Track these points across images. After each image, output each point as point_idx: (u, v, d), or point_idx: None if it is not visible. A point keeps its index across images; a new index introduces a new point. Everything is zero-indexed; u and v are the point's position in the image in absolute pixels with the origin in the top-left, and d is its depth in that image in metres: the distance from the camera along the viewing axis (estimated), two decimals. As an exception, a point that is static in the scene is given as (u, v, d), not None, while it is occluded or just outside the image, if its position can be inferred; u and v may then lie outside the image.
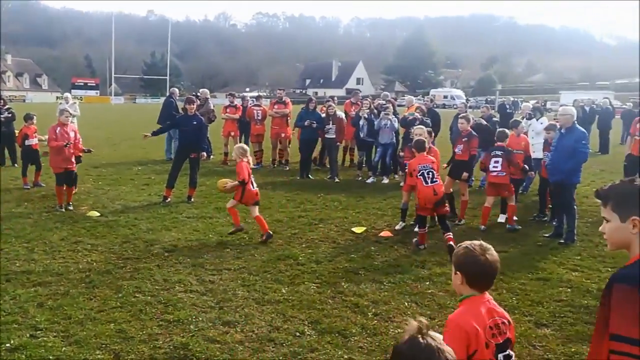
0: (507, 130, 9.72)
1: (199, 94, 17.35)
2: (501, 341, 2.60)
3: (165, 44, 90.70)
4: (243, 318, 5.41)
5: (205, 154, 11.27)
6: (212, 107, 16.63)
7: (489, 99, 62.50)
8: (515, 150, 9.72)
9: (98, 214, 9.50)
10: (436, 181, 7.76)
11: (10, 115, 14.18)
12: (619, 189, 2.33)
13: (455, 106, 32.83)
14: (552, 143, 9.40)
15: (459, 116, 10.60)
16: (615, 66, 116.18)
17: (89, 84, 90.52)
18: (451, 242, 7.52)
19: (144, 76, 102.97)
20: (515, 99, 33.65)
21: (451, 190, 9.73)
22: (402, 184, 10.54)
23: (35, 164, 12.14)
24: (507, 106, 21.93)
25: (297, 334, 5.10)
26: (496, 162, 9.12)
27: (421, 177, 7.76)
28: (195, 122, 10.75)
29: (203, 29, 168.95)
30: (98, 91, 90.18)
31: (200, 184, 11.67)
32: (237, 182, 8.08)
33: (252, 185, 8.19)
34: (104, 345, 4.81)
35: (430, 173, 7.76)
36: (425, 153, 8.03)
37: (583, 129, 8.58)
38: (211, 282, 6.38)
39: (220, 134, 16.76)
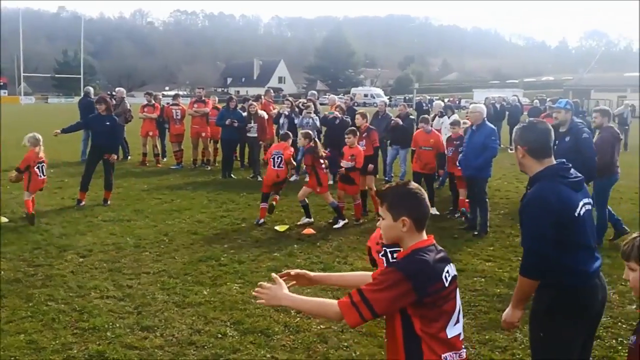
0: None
1: (114, 93, 16.79)
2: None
3: (79, 42, 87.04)
4: (163, 322, 5.29)
5: (115, 155, 10.86)
6: (128, 107, 16.09)
7: (407, 98, 64.12)
8: (424, 147, 10.02)
9: (6, 220, 9.00)
10: (281, 167, 9.13)
11: None
12: (394, 191, 2.57)
13: (375, 104, 33.46)
14: (455, 139, 9.84)
15: (356, 112, 10.79)
16: (523, 65, 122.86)
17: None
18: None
19: (55, 75, 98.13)
20: (432, 98, 34.77)
21: (365, 187, 9.91)
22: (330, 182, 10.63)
23: None
24: (424, 104, 22.67)
25: (219, 335, 5.05)
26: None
27: (272, 159, 9.19)
28: (108, 123, 10.38)
29: (119, 26, 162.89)
30: (6, 91, 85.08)
31: (117, 186, 11.31)
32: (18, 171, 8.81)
33: (40, 173, 8.89)
34: (13, 358, 4.57)
35: (279, 159, 9.13)
36: (282, 141, 9.56)
37: (492, 126, 8.99)
38: (129, 287, 6.20)
39: (138, 134, 16.27)
